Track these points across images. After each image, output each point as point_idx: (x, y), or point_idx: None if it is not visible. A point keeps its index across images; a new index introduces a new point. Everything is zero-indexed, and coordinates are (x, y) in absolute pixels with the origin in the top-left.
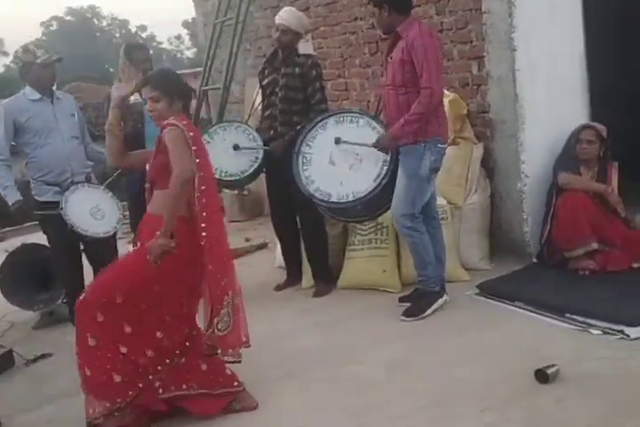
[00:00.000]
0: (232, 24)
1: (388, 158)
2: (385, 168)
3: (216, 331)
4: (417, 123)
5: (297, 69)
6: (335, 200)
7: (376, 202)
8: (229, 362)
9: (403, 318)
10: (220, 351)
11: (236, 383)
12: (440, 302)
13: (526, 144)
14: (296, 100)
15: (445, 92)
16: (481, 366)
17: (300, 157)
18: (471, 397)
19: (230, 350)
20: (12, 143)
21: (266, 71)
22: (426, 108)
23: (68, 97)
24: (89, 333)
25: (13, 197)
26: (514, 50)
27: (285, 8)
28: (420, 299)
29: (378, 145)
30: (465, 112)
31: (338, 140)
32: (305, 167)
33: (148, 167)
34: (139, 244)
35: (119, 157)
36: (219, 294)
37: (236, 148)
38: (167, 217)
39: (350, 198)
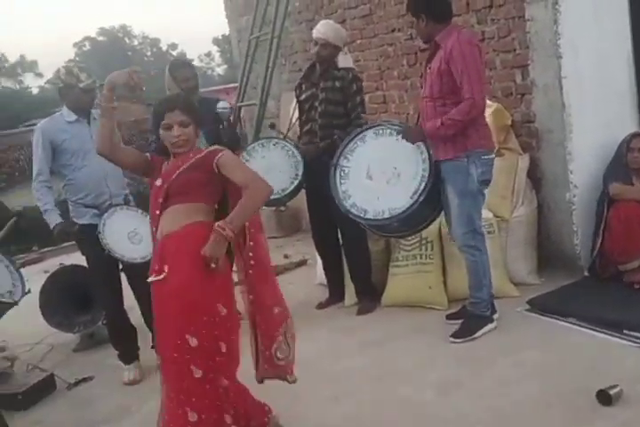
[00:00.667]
0: (267, 39)
1: (427, 174)
2: (423, 184)
3: (276, 360)
4: (452, 129)
5: (337, 83)
6: (371, 217)
7: (414, 218)
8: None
9: (452, 339)
10: (288, 377)
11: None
12: (490, 326)
13: (574, 153)
14: (336, 115)
15: (488, 102)
16: (537, 387)
17: (338, 171)
18: (529, 420)
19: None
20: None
21: (303, 86)
22: (464, 117)
23: None
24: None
25: (54, 219)
26: (560, 57)
27: (322, 21)
28: (469, 321)
29: (406, 133)
30: (509, 122)
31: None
32: (342, 181)
33: (160, 183)
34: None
35: (109, 143)
36: (275, 322)
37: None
38: (240, 223)
39: (386, 215)
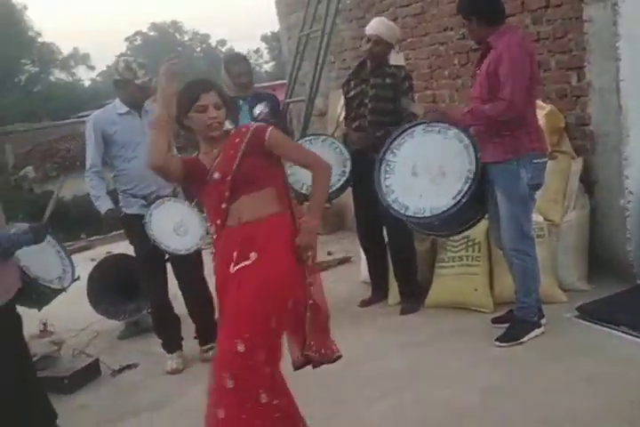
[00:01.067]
0: (317, 36)
1: (472, 176)
2: (467, 185)
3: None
4: (479, 121)
5: (388, 80)
6: (411, 214)
7: (456, 219)
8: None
9: (497, 343)
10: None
11: None
12: (537, 331)
13: (631, 158)
14: (386, 111)
15: (541, 104)
16: (585, 396)
17: (384, 165)
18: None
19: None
20: None
21: (352, 83)
22: (495, 115)
23: (155, 108)
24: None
25: (105, 205)
26: (618, 59)
27: (376, 18)
28: (515, 325)
29: (430, 112)
30: (563, 125)
31: None
32: (387, 176)
33: (219, 176)
34: (254, 257)
35: (164, 155)
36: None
37: None
38: (320, 209)
39: (427, 214)
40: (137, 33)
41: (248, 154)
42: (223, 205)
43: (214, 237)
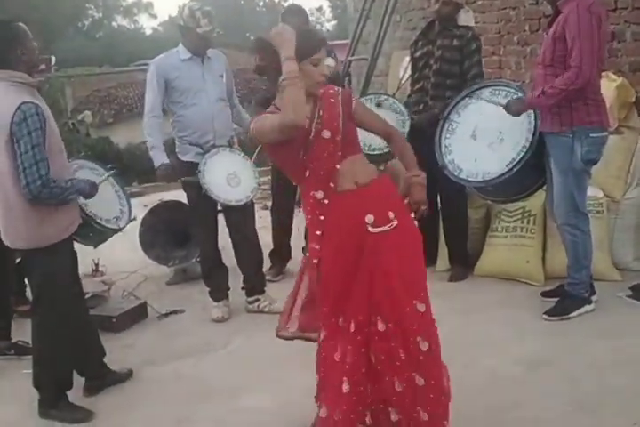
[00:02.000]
0: None
1: (528, 145)
2: (521, 154)
3: None
4: (555, 98)
5: (455, 41)
6: (464, 177)
7: (511, 187)
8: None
9: (545, 316)
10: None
11: None
12: (587, 308)
13: None
14: (451, 74)
15: (612, 76)
16: (634, 377)
17: (447, 124)
18: (622, 408)
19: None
20: None
21: (419, 43)
22: (568, 86)
23: (219, 56)
24: None
25: (160, 159)
26: None
27: None
28: (565, 300)
29: (508, 106)
30: (633, 99)
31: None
32: (448, 135)
33: (329, 135)
34: (393, 216)
35: (303, 111)
36: None
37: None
38: (415, 160)
39: (479, 179)
40: None
41: (344, 115)
42: (337, 166)
43: (325, 201)
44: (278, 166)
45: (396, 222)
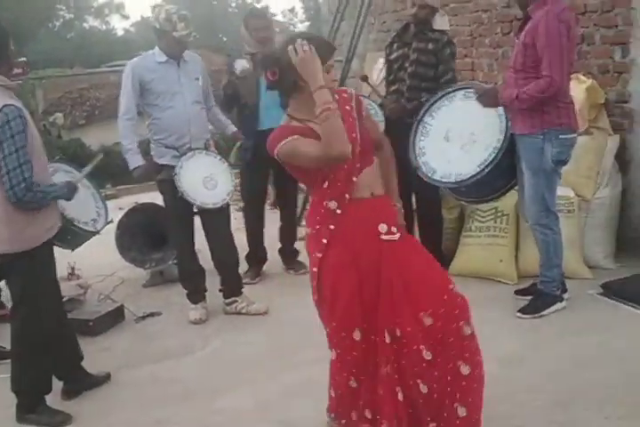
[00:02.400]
0: None
1: (499, 146)
2: (493, 156)
3: None
4: (526, 103)
5: (430, 45)
6: (437, 178)
7: (484, 187)
8: None
9: (519, 314)
10: None
11: None
12: (560, 305)
13: None
14: (426, 77)
15: (582, 78)
16: (604, 371)
17: (421, 126)
18: (594, 402)
19: None
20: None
21: (394, 45)
22: (539, 93)
23: (195, 59)
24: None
25: (135, 162)
26: None
27: None
28: (538, 298)
29: (482, 96)
30: (602, 101)
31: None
32: (422, 138)
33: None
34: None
35: (347, 140)
36: None
37: None
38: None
39: (452, 180)
40: None
41: (359, 123)
42: (354, 178)
43: (338, 211)
44: (294, 176)
45: (399, 235)
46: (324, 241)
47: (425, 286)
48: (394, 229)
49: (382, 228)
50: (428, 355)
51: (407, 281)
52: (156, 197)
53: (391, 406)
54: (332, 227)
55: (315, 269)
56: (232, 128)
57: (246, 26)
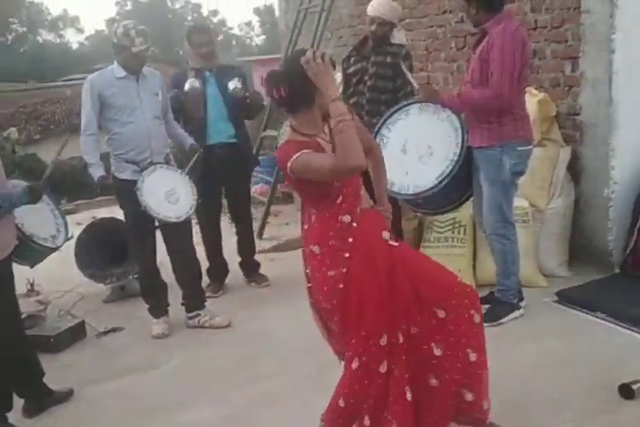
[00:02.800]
0: (316, 11)
1: (456, 159)
2: (450, 168)
3: None
4: (466, 106)
5: (389, 58)
6: (395, 190)
7: (441, 199)
8: None
9: None
10: None
11: None
12: (517, 313)
13: (618, 150)
14: (385, 90)
15: (534, 91)
16: (560, 376)
17: (378, 139)
18: (550, 406)
19: None
20: None
21: (352, 59)
22: (483, 102)
23: (154, 74)
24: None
25: (98, 172)
26: (612, 51)
27: None
28: (496, 306)
29: (422, 91)
30: (554, 113)
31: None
32: None
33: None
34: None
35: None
36: None
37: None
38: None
39: (410, 191)
40: None
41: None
42: (362, 192)
43: (354, 224)
44: (302, 191)
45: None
46: (347, 255)
47: (435, 282)
48: (391, 235)
49: (385, 235)
50: (437, 351)
51: (418, 280)
52: (115, 212)
53: (401, 405)
54: (350, 240)
55: (341, 286)
56: (190, 141)
57: (189, 42)
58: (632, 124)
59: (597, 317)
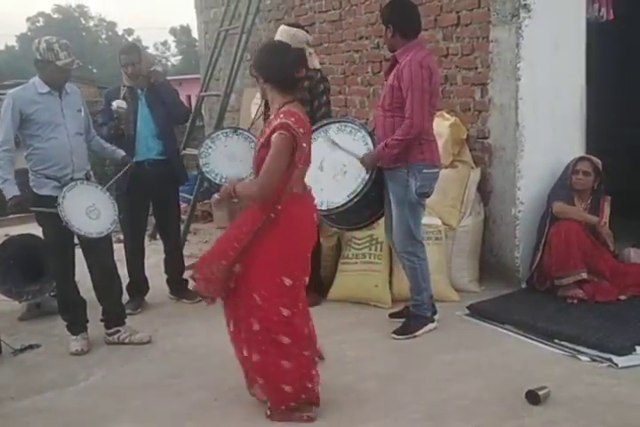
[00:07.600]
0: (237, 33)
1: (367, 177)
2: (361, 186)
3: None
4: (397, 148)
5: (305, 82)
6: None
7: (352, 216)
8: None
9: (393, 335)
10: None
11: None
12: (431, 326)
13: (523, 171)
14: None
15: (446, 115)
16: (472, 385)
17: None
18: (463, 413)
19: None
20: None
21: None
22: (404, 136)
23: (75, 91)
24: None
25: (11, 191)
26: (518, 79)
27: (280, 28)
28: (410, 320)
29: (363, 161)
30: (465, 136)
31: (334, 142)
32: None
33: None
34: None
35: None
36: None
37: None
38: (242, 191)
39: (324, 207)
40: (40, 14)
41: (263, 145)
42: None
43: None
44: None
45: None
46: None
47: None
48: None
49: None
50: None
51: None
52: (29, 229)
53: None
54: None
55: None
56: (121, 152)
57: (119, 61)
58: (537, 147)
59: (506, 329)
